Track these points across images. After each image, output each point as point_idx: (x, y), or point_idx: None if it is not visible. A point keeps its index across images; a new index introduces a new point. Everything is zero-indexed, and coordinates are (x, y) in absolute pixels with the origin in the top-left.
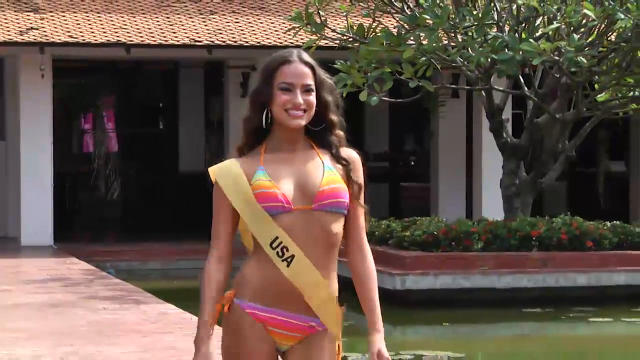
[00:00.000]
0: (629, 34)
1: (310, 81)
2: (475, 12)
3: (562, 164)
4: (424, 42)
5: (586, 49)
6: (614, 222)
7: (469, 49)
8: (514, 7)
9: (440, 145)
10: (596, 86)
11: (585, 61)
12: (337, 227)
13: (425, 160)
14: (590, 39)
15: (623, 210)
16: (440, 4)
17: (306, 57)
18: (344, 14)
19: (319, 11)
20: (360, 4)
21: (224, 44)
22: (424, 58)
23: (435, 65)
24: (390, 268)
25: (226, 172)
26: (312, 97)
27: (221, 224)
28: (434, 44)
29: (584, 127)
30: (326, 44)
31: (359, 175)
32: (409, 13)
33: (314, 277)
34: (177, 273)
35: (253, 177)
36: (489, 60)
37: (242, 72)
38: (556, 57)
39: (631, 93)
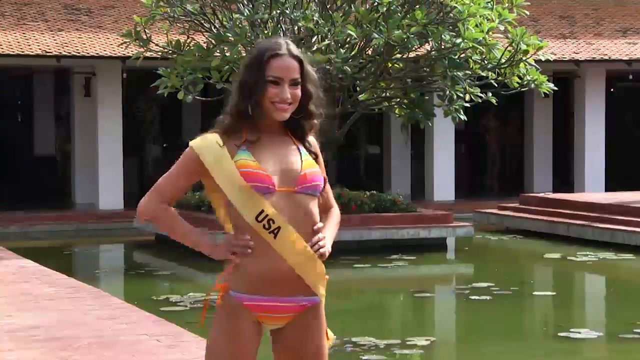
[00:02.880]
0: (382, 50)
1: (297, 75)
2: (266, 32)
3: (332, 148)
4: (227, 54)
5: (350, 60)
6: (372, 191)
7: None
8: (296, 27)
9: None
10: (357, 89)
11: (350, 70)
12: (315, 208)
13: None
14: (353, 53)
15: (378, 183)
16: (239, 25)
17: (294, 49)
18: (165, 32)
19: (145, 30)
20: (178, 24)
21: (69, 54)
22: (227, 66)
23: (236, 71)
24: (205, 229)
25: (210, 144)
26: (298, 91)
27: (179, 180)
28: (235, 55)
29: (349, 119)
30: (151, 55)
31: (322, 161)
32: (215, 32)
33: (301, 245)
34: (33, 235)
35: (235, 155)
36: None
37: (84, 77)
38: (328, 67)
39: (383, 94)
